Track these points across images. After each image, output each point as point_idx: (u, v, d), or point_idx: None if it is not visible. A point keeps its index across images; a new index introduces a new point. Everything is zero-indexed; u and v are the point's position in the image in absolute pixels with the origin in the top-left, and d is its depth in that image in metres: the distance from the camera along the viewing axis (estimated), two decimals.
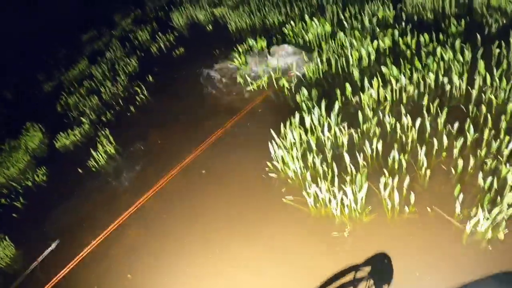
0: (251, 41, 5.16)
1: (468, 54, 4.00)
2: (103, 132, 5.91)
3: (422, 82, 3.85)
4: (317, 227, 3.28)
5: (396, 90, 3.82)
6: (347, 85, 3.91)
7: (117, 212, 4.48)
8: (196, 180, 4.18)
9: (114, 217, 4.38)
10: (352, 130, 3.58)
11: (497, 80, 3.71)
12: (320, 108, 3.79)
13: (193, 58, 6.21)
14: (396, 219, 3.14)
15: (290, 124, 3.81)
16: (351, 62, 4.23)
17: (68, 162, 6.20)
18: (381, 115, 3.63)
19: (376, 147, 3.40)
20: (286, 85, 4.41)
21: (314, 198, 3.30)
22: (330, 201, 3.15)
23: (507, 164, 3.10)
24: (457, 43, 4.10)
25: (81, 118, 6.65)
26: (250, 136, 4.23)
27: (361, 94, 3.78)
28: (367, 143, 3.39)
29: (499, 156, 3.23)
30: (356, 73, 4.04)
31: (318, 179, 3.32)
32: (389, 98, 3.78)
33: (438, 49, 4.07)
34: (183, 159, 4.66)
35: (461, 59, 3.96)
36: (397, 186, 3.14)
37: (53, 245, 4.49)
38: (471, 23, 4.57)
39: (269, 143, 3.74)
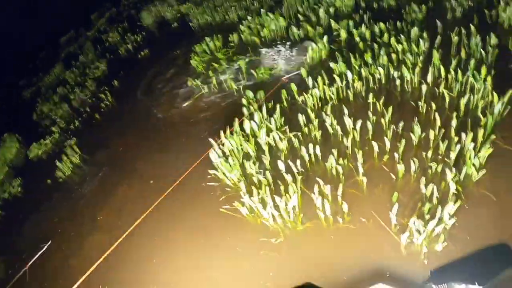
0: (208, 41, 5.07)
1: (424, 44, 3.79)
2: (70, 142, 6.03)
3: (371, 77, 3.67)
4: (250, 235, 3.26)
5: (342, 88, 3.66)
6: (293, 85, 3.78)
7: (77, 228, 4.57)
8: (146, 188, 4.20)
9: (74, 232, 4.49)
10: (291, 134, 3.47)
11: (453, 71, 3.50)
12: (261, 111, 3.68)
13: (156, 61, 6.23)
14: (332, 228, 3.06)
15: (231, 130, 3.73)
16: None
17: (40, 172, 6.35)
18: (324, 116, 3.49)
19: (315, 152, 3.28)
20: (235, 87, 4.32)
21: (249, 207, 3.23)
22: (262, 210, 3.08)
23: (454, 169, 2.92)
24: (414, 31, 3.89)
25: (52, 127, 6.79)
26: (195, 142, 4.19)
27: (305, 94, 3.65)
28: (307, 147, 3.26)
29: (446, 159, 3.05)
30: (303, 71, 3.89)
31: (253, 188, 3.25)
32: (334, 96, 3.64)
33: (392, 40, 3.86)
34: (137, 169, 4.68)
35: (415, 49, 3.75)
36: (334, 194, 3.03)
37: (45, 247, 4.58)
38: (434, 7, 4.33)
39: (210, 150, 3.68)
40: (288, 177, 3.20)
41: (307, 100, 3.65)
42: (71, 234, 4.54)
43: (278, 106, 3.66)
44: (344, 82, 3.65)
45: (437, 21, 3.99)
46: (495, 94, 3.14)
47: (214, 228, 3.43)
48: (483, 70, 3.32)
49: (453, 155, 2.97)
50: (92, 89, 6.84)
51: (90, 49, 8.00)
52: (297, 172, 3.24)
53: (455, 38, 3.77)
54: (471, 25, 3.76)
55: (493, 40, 3.65)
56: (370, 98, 3.46)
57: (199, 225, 3.56)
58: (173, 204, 3.89)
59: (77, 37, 9.67)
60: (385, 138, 3.15)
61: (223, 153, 3.71)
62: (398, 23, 4.13)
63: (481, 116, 3.14)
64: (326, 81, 3.72)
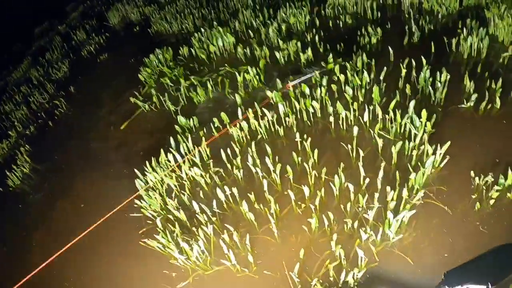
0: (159, 53, 5.05)
1: (369, 75, 3.68)
2: (23, 148, 6.15)
3: (304, 111, 3.60)
4: (161, 272, 3.25)
5: (273, 122, 3.60)
6: (223, 114, 3.75)
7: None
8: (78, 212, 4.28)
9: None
10: (213, 171, 3.46)
11: (391, 112, 3.38)
12: (187, 142, 3.68)
13: (111, 68, 6.31)
14: (241, 275, 3.05)
15: (157, 161, 3.74)
16: (238, 84, 4.03)
17: None
18: (250, 152, 3.46)
19: (232, 193, 3.27)
20: (173, 108, 4.31)
21: (162, 245, 3.26)
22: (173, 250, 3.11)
23: (368, 228, 2.84)
24: (360, 60, 3.77)
25: (10, 131, 6.93)
26: (124, 168, 4.23)
27: (232, 126, 3.62)
28: (226, 187, 3.24)
29: (364, 215, 2.98)
30: (238, 99, 3.85)
31: (169, 225, 3.27)
32: (263, 131, 3.59)
33: (337, 68, 3.76)
34: (73, 189, 4.77)
35: (358, 81, 3.64)
36: (243, 240, 3.02)
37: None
38: (391, 31, 4.17)
39: (135, 180, 3.72)
40: (203, 218, 3.21)
41: (234, 134, 3.62)
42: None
43: (203, 138, 3.65)
44: (275, 116, 3.60)
45: (389, 47, 3.86)
46: (428, 145, 3.03)
47: (131, 263, 3.48)
48: (423, 113, 3.20)
49: (371, 213, 2.89)
50: (51, 92, 6.93)
51: (57, 46, 8.08)
52: (211, 214, 3.24)
53: (404, 71, 3.64)
54: (422, 56, 3.62)
55: (444, 76, 3.52)
56: (298, 137, 3.39)
57: (116, 258, 3.61)
58: (95, 233, 3.95)
59: (50, 30, 9.78)
60: (303, 185, 3.10)
61: (147, 183, 3.73)
62: (349, 47, 4.02)
63: (411, 169, 3.04)
64: (259, 113, 3.67)
